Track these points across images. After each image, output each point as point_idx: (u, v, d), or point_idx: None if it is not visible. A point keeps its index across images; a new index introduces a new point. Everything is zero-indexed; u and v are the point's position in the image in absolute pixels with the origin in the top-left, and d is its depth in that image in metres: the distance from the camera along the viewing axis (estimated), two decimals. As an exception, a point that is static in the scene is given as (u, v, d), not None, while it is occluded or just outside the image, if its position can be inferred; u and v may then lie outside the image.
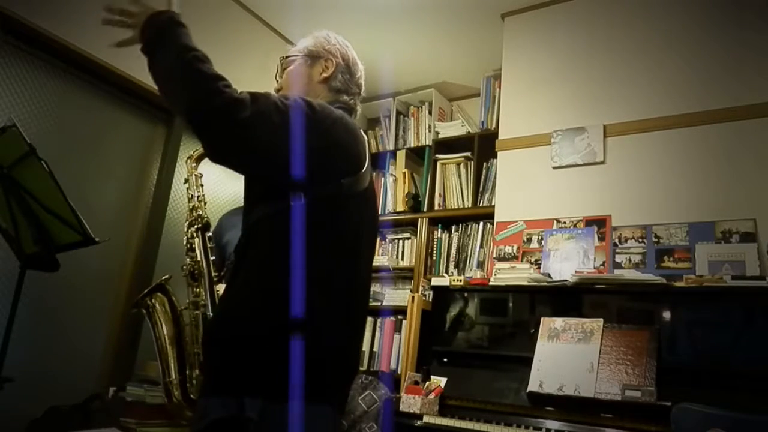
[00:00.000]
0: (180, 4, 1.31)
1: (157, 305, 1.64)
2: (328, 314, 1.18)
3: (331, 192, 1.22)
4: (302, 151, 1.16)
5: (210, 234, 1.60)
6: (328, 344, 1.17)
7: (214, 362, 1.20)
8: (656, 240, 2.48)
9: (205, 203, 1.66)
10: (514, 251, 2.83)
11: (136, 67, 2.77)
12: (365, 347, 3.47)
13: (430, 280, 3.03)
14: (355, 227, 1.28)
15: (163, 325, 1.60)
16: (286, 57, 1.51)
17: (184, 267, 1.55)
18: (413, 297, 3.02)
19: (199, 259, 1.55)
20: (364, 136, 1.40)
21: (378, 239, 1.54)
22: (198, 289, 1.54)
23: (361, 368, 3.38)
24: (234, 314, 1.19)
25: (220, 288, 1.55)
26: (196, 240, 1.57)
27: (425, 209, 3.57)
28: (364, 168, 1.31)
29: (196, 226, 1.59)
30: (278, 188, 1.20)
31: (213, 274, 1.56)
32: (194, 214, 1.61)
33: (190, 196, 1.64)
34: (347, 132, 1.30)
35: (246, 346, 1.13)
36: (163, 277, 1.68)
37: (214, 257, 1.58)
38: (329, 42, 1.50)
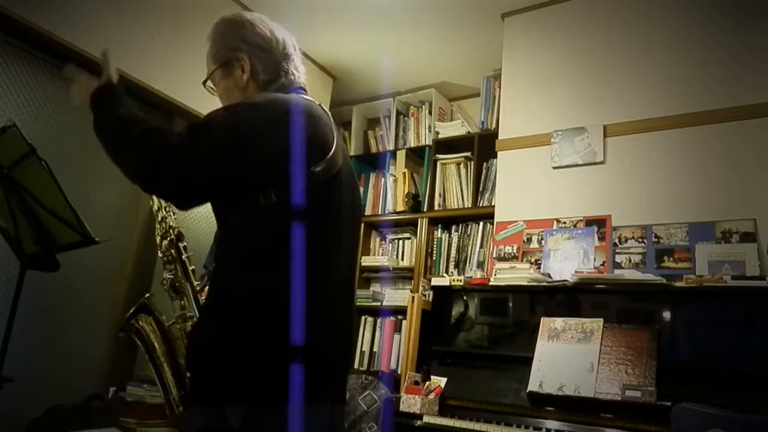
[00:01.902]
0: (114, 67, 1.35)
1: (145, 325, 1.60)
2: (310, 309, 1.13)
3: (304, 183, 1.15)
4: (268, 156, 1.13)
5: (185, 244, 1.55)
6: (312, 339, 1.13)
7: (196, 369, 1.17)
8: (656, 240, 2.48)
9: (174, 212, 1.58)
10: (514, 251, 2.83)
11: (135, 67, 2.77)
12: (365, 347, 3.48)
13: (430, 280, 3.03)
14: (332, 213, 1.23)
15: (155, 344, 1.57)
16: (207, 79, 1.39)
17: (164, 282, 1.51)
18: (413, 297, 3.02)
19: (177, 271, 1.51)
20: (326, 112, 1.30)
21: (360, 220, 1.48)
22: (183, 302, 1.50)
23: (361, 368, 3.38)
24: (212, 320, 1.16)
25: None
26: (173, 251, 1.52)
27: (425, 209, 3.57)
28: (333, 149, 1.22)
29: (169, 238, 1.52)
30: (248, 191, 1.15)
31: (195, 283, 1.52)
32: (164, 225, 1.54)
33: (156, 207, 1.55)
34: (309, 118, 1.21)
35: (226, 350, 1.10)
36: (145, 296, 1.64)
37: (193, 267, 1.54)
38: (225, 36, 1.35)
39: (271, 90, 1.32)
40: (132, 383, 2.39)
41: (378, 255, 3.79)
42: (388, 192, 3.79)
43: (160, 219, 1.55)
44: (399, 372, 3.13)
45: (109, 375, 2.66)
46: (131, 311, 1.62)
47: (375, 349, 3.44)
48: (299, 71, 1.37)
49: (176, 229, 1.54)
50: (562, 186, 2.81)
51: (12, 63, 2.43)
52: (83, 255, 2.14)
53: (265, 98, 1.22)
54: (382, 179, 3.85)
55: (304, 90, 1.36)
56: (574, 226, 2.70)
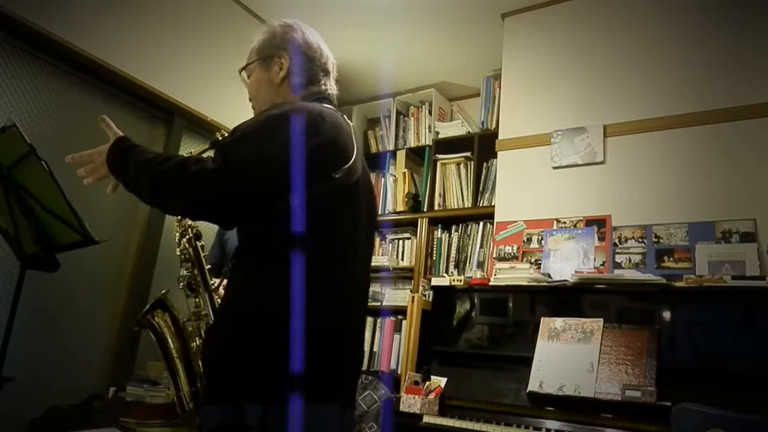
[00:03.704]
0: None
1: (161, 321, 1.61)
2: (326, 311, 1.17)
3: (324, 189, 1.21)
4: (292, 165, 1.16)
5: (202, 243, 1.57)
6: (327, 341, 1.16)
7: (213, 367, 1.19)
8: (656, 240, 2.48)
9: None
10: (514, 251, 2.83)
11: (135, 67, 2.77)
12: (365, 347, 3.47)
13: (430, 280, 3.03)
14: (351, 220, 1.27)
15: (169, 340, 1.58)
16: (245, 67, 1.46)
17: (180, 279, 1.53)
18: (413, 297, 3.02)
19: (194, 269, 1.52)
20: (348, 122, 1.36)
21: (376, 228, 1.52)
22: (198, 300, 1.52)
23: (361, 368, 3.38)
24: (229, 318, 1.18)
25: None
26: (190, 250, 1.54)
27: (425, 209, 3.57)
28: (354, 157, 1.28)
29: (187, 237, 1.54)
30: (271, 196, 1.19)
31: (210, 282, 1.54)
32: (183, 224, 1.56)
33: None
34: (332, 126, 1.26)
35: (243, 349, 1.12)
36: (162, 292, 1.66)
37: (209, 266, 1.56)
38: (275, 36, 1.42)
39: (300, 94, 1.38)
40: (132, 383, 2.39)
41: (378, 255, 3.79)
42: (388, 192, 3.79)
43: (180, 218, 1.56)
44: (399, 372, 3.12)
45: (109, 375, 2.66)
46: (148, 307, 1.63)
47: (375, 349, 3.44)
48: (331, 85, 1.45)
49: (195, 228, 1.56)
50: (562, 186, 2.81)
51: (12, 63, 2.43)
52: (83, 255, 2.14)
53: (291, 107, 1.26)
54: (382, 179, 3.84)
55: (330, 101, 1.42)
56: (574, 226, 2.70)
